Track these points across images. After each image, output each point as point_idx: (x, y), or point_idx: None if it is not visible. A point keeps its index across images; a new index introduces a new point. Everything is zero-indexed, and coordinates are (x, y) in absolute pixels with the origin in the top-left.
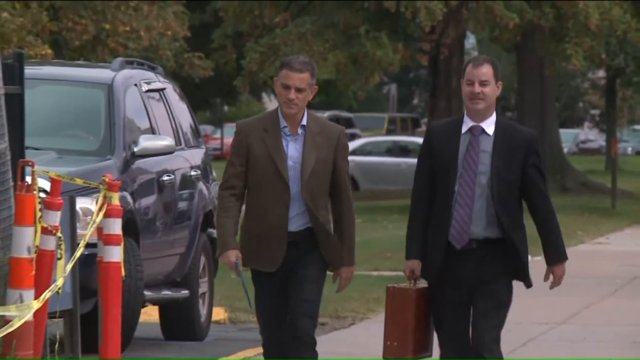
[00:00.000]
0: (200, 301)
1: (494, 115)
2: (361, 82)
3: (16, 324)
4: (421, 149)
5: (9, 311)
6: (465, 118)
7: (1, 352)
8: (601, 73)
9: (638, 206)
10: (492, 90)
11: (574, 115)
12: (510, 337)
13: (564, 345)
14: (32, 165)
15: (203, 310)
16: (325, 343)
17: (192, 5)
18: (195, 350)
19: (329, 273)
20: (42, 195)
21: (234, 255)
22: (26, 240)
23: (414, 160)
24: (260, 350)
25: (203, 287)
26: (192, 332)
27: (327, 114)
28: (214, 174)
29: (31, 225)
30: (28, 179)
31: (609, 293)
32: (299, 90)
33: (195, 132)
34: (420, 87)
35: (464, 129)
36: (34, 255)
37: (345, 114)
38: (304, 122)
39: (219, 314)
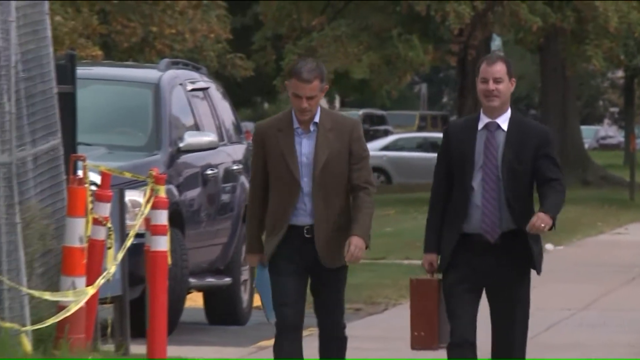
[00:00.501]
0: (242, 288)
1: (509, 111)
2: (394, 81)
3: (73, 309)
4: (440, 147)
5: (66, 297)
6: (481, 115)
7: (55, 336)
8: (620, 73)
9: None
10: (506, 87)
11: (594, 113)
12: (533, 322)
13: (585, 330)
14: (84, 160)
15: (245, 297)
16: (360, 327)
17: (233, 9)
18: (237, 334)
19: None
20: (93, 188)
21: (254, 260)
22: (78, 231)
23: None
24: None
25: (244, 275)
26: (235, 317)
27: (361, 111)
28: None
29: (83, 216)
30: (80, 173)
31: (627, 281)
32: (310, 98)
33: (237, 128)
34: (449, 86)
35: (480, 125)
36: (85, 245)
37: (378, 112)
38: (316, 119)
39: (259, 300)
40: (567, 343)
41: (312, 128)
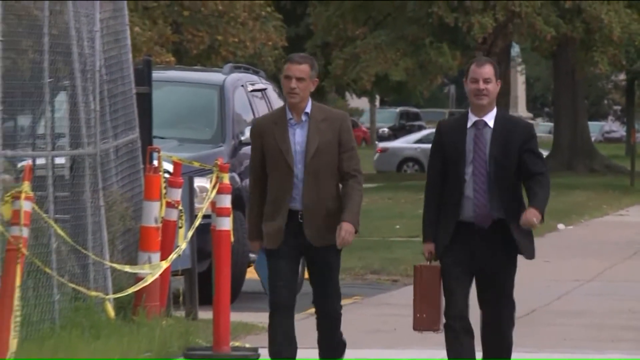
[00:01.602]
0: None
1: (495, 109)
2: (426, 83)
3: (149, 280)
4: (432, 144)
5: (143, 270)
6: (470, 114)
7: (133, 303)
8: (622, 76)
9: None
10: (494, 87)
11: (600, 110)
12: (548, 291)
13: (592, 298)
14: (158, 152)
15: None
16: (397, 296)
17: (288, 20)
18: None
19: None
20: (167, 175)
21: (256, 245)
22: (153, 212)
23: None
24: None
25: None
26: None
27: (398, 109)
28: None
29: (157, 200)
30: (155, 162)
31: (628, 256)
32: (299, 79)
33: None
34: None
35: (469, 123)
36: (159, 225)
37: (413, 109)
38: (308, 109)
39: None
40: (576, 310)
41: (304, 118)
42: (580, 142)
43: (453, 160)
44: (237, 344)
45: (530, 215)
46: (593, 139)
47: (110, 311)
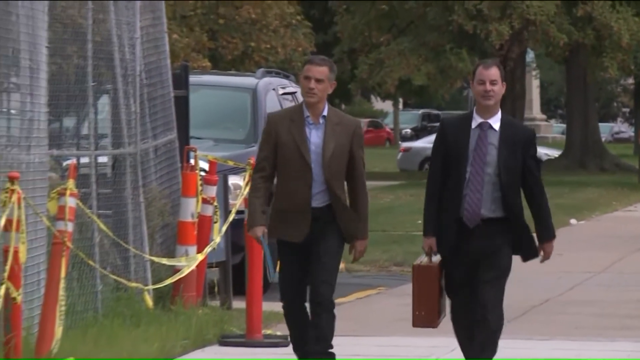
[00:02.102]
0: None
1: (500, 112)
2: (446, 87)
3: (185, 272)
4: (435, 140)
5: (180, 262)
6: (475, 115)
7: (171, 294)
8: (630, 80)
9: None
10: (500, 88)
11: (609, 112)
12: (560, 283)
13: (602, 289)
14: (195, 151)
15: None
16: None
17: (317, 27)
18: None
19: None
20: (202, 173)
21: (260, 231)
22: (190, 208)
23: None
24: (367, 292)
25: None
26: None
27: (420, 111)
28: None
29: (194, 196)
30: (192, 161)
31: (636, 249)
32: (318, 81)
33: None
34: None
35: (474, 124)
36: (196, 220)
37: (434, 111)
38: (325, 112)
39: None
40: (587, 300)
41: (321, 120)
42: (591, 142)
43: (455, 159)
44: (268, 331)
45: (549, 251)
46: (603, 139)
47: (149, 301)
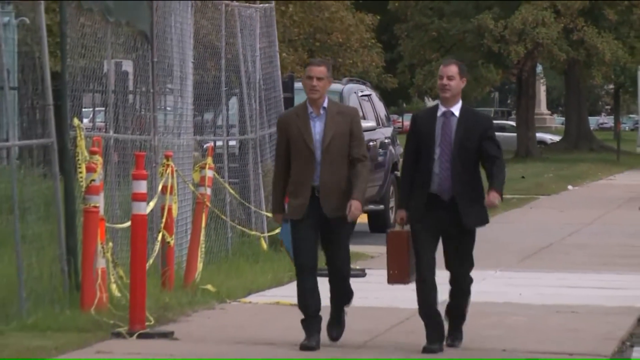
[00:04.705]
0: (390, 211)
1: (460, 102)
2: (478, 91)
3: None
4: (409, 130)
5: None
6: (440, 106)
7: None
8: (611, 85)
9: (632, 159)
10: (457, 83)
11: (596, 109)
12: (561, 231)
13: (591, 235)
14: None
15: (392, 217)
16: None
17: (386, 47)
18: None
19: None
20: None
21: (280, 217)
22: None
23: (507, 134)
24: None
25: (391, 203)
26: (383, 228)
27: None
28: (397, 141)
29: None
30: None
31: (616, 207)
32: (319, 79)
33: (387, 118)
34: (511, 93)
35: (439, 113)
36: None
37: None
38: (325, 105)
39: None
40: (581, 243)
41: (322, 112)
42: (583, 130)
43: (425, 143)
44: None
45: (493, 197)
46: (592, 128)
47: (265, 244)
